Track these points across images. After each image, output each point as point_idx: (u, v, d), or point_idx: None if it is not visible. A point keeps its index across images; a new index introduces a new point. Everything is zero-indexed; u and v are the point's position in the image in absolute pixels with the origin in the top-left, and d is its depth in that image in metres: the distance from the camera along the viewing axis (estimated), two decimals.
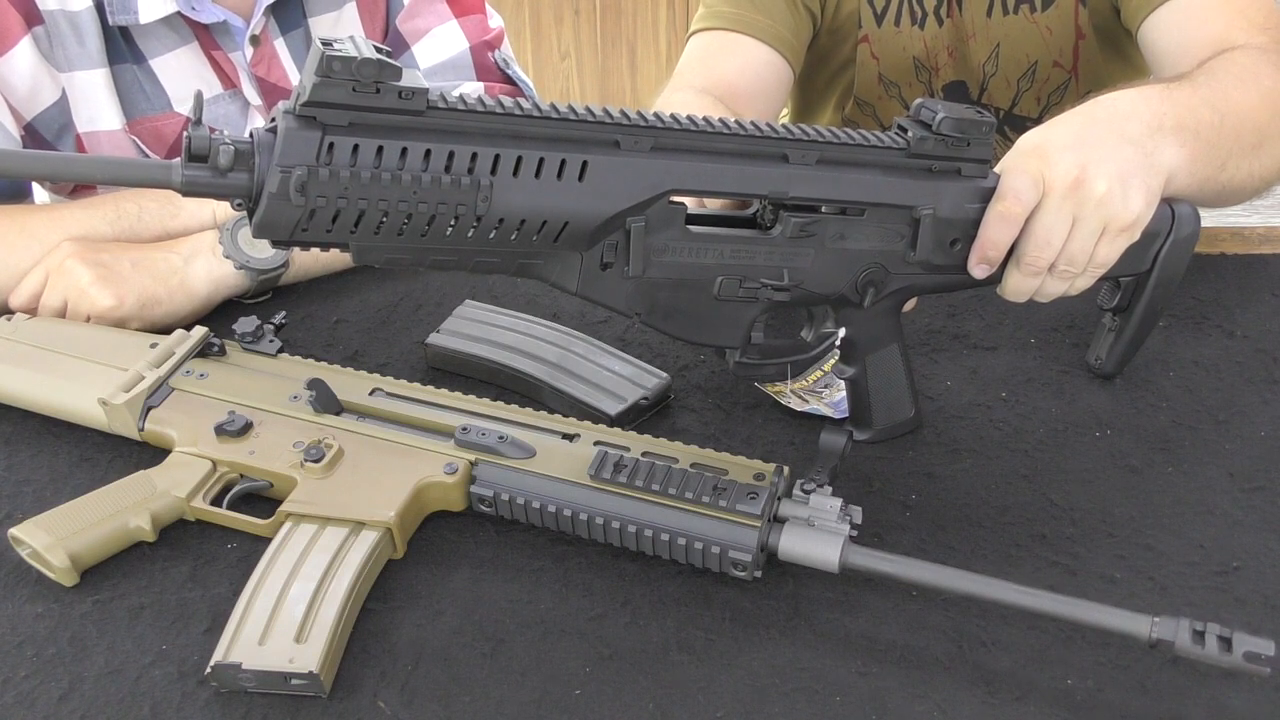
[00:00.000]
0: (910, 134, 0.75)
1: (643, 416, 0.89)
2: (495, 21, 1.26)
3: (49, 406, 0.89)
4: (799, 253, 0.75)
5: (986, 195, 0.78)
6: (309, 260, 1.05)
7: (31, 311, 0.97)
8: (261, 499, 0.80)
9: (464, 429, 0.79)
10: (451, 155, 0.62)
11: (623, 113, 0.67)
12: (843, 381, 0.88)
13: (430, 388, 0.85)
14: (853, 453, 0.84)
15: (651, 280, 0.72)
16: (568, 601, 0.74)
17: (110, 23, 1.07)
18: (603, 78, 2.87)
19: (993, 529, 0.79)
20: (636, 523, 0.74)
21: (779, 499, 0.74)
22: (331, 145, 0.60)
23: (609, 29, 2.80)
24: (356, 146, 0.60)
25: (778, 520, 0.73)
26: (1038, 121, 1.26)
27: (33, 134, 1.10)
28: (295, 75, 1.16)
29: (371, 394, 0.85)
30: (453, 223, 0.64)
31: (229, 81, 1.14)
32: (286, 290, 1.06)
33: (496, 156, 0.63)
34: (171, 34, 1.10)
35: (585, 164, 0.65)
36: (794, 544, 0.72)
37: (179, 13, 1.08)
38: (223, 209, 1.03)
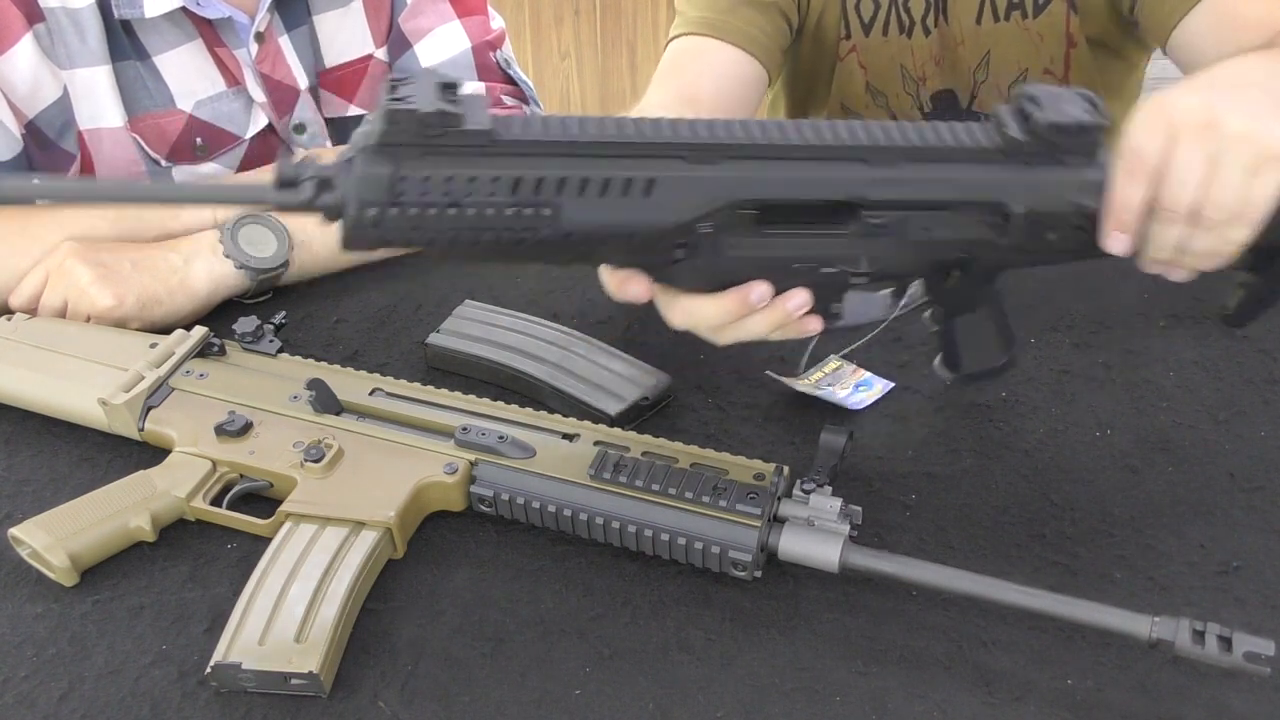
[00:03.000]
0: (1006, 130, 0.71)
1: (643, 416, 0.89)
2: (497, 23, 1.26)
3: (49, 406, 0.89)
4: (878, 244, 0.73)
5: (1093, 187, 0.73)
6: (309, 260, 1.05)
7: (31, 311, 0.97)
8: (261, 499, 0.80)
9: (464, 429, 0.79)
10: (518, 181, 0.64)
11: (692, 129, 0.67)
12: (858, 374, 0.87)
13: (430, 388, 0.85)
14: (852, 452, 0.84)
15: (725, 271, 0.71)
16: (568, 601, 0.74)
17: (116, 16, 1.07)
18: (603, 78, 2.87)
19: (993, 529, 0.79)
20: (636, 523, 0.74)
21: (779, 499, 0.74)
22: (404, 178, 0.63)
23: (609, 29, 2.80)
24: (428, 177, 0.63)
25: (778, 520, 0.73)
26: None
27: (34, 132, 1.09)
28: (299, 72, 1.16)
29: (371, 394, 0.85)
30: (519, 244, 0.66)
31: (232, 79, 1.14)
32: (286, 290, 1.06)
33: (563, 179, 0.65)
34: (175, 30, 1.10)
35: (651, 181, 0.66)
36: (794, 544, 0.72)
37: (183, 8, 1.07)
38: (222, 209, 1.03)
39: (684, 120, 0.67)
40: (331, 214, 0.64)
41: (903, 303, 0.81)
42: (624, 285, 0.70)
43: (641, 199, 0.66)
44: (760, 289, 0.69)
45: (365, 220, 0.63)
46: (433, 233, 0.65)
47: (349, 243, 0.65)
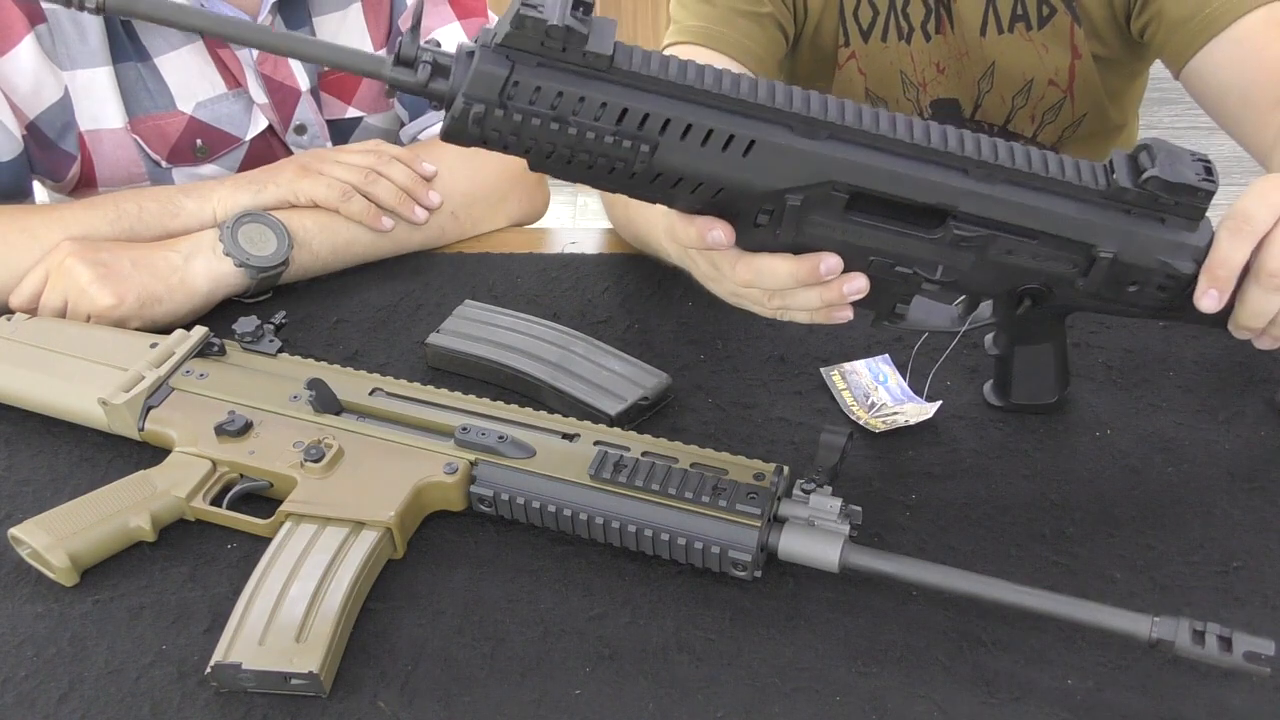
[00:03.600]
0: (1115, 176, 0.71)
1: (643, 416, 0.89)
2: None
3: (49, 406, 0.89)
4: (959, 256, 0.73)
5: (1193, 253, 0.72)
6: (309, 260, 1.05)
7: (31, 311, 0.97)
8: (261, 499, 0.80)
9: (464, 429, 0.79)
10: (625, 112, 0.65)
11: (805, 100, 0.68)
12: (891, 381, 0.87)
13: (430, 388, 0.85)
14: (852, 453, 0.84)
15: (802, 246, 0.71)
16: (568, 601, 0.74)
17: (120, 17, 1.07)
18: None
19: (993, 529, 0.79)
20: (636, 522, 0.74)
21: (779, 499, 0.74)
22: (516, 84, 0.64)
23: None
24: (539, 88, 0.64)
25: (778, 520, 0.73)
26: (1033, 139, 1.25)
27: (35, 133, 1.10)
28: (301, 74, 1.16)
29: (371, 394, 0.85)
30: (611, 171, 0.67)
31: (234, 80, 1.14)
32: (286, 290, 1.06)
33: (667, 121, 0.66)
34: (176, 31, 1.10)
35: (752, 143, 0.67)
36: (794, 544, 0.72)
37: None
38: (223, 208, 1.03)
39: (798, 90, 0.68)
40: (439, 102, 0.65)
41: (970, 319, 0.82)
42: (706, 231, 0.70)
43: (739, 158, 0.67)
44: (831, 260, 0.70)
45: (470, 115, 0.64)
46: (531, 143, 0.66)
47: (449, 135, 0.66)
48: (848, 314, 0.74)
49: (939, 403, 0.88)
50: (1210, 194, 0.71)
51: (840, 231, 0.71)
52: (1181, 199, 0.71)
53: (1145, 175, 0.70)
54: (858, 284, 0.71)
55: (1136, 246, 0.72)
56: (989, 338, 0.87)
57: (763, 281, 0.72)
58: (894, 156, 0.69)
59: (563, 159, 0.67)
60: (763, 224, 0.69)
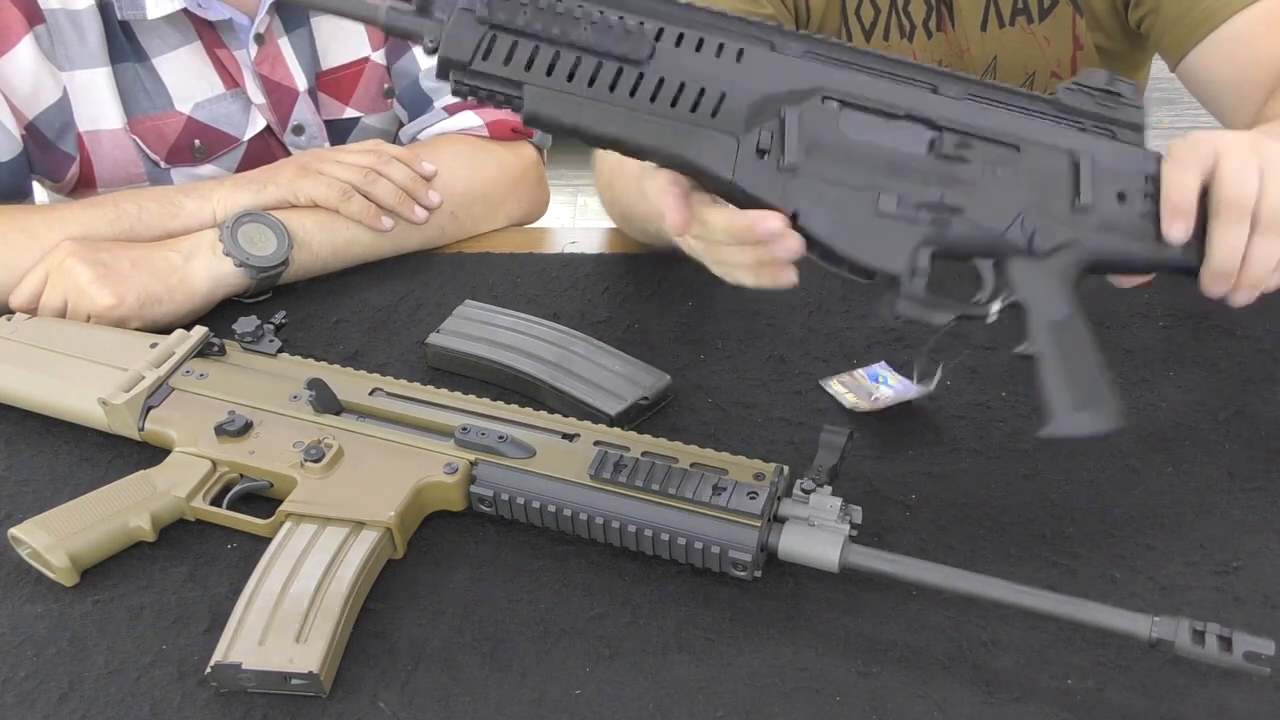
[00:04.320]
0: (1059, 92, 0.77)
1: (643, 416, 0.89)
2: None
3: (49, 406, 0.89)
4: (956, 176, 0.74)
5: (1156, 159, 0.76)
6: (309, 259, 1.05)
7: (31, 311, 0.97)
8: (261, 499, 0.80)
9: (464, 429, 0.79)
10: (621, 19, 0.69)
11: (779, 25, 0.74)
12: (892, 380, 0.88)
13: (430, 388, 0.85)
14: (852, 453, 0.84)
15: (807, 179, 0.72)
16: (568, 601, 0.74)
17: (118, 17, 1.07)
18: None
19: (993, 529, 0.79)
20: (636, 522, 0.74)
21: (779, 499, 0.74)
22: None
23: None
24: None
25: (778, 520, 0.73)
26: None
27: (34, 133, 1.10)
28: (298, 74, 1.16)
29: (371, 394, 0.85)
30: (615, 76, 0.70)
31: (231, 80, 1.14)
32: (286, 290, 1.06)
33: (661, 29, 0.70)
34: (174, 32, 1.10)
35: (742, 50, 0.71)
36: (794, 544, 0.72)
37: (184, 10, 1.08)
38: (223, 208, 1.03)
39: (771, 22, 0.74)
40: (435, 32, 0.69)
41: (994, 305, 0.79)
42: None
43: (733, 63, 0.71)
44: (772, 222, 0.70)
45: (475, 9, 0.67)
46: (535, 43, 0.68)
47: (449, 48, 0.68)
48: (790, 276, 0.74)
49: (938, 377, 0.88)
50: (1135, 87, 0.77)
51: (842, 154, 0.73)
52: (1121, 90, 0.77)
53: (1084, 75, 0.78)
54: (789, 243, 0.71)
55: (1108, 154, 0.76)
56: (1020, 347, 0.79)
57: (709, 235, 0.73)
58: (870, 72, 0.74)
59: (567, 68, 0.69)
60: (767, 150, 0.71)
